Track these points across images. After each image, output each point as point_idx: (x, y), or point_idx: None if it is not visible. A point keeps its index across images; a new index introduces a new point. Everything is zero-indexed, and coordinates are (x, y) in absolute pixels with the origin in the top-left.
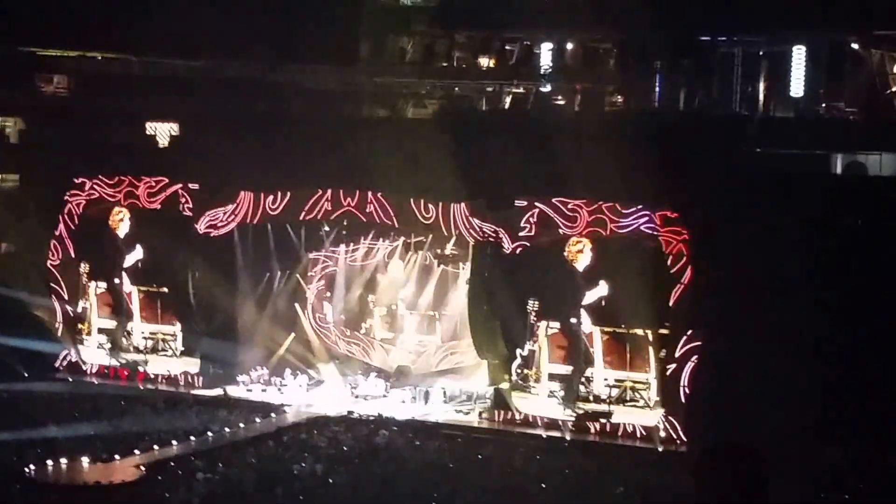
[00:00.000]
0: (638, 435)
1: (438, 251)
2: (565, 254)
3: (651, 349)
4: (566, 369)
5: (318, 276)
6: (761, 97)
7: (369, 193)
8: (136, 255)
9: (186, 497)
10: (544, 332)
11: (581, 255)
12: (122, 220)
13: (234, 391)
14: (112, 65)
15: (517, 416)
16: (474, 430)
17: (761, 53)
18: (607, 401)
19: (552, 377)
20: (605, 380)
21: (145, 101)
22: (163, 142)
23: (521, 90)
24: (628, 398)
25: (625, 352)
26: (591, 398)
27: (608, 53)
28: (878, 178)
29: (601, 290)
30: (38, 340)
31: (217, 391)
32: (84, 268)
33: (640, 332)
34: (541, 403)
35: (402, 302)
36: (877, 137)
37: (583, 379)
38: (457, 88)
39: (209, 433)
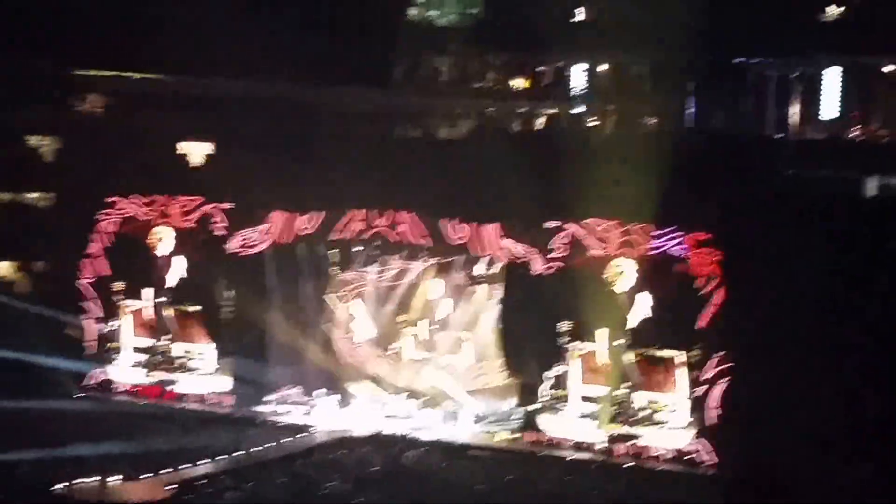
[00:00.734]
0: (667, 457)
1: (469, 271)
2: (605, 275)
3: (681, 371)
4: (597, 391)
5: (349, 295)
6: (795, 119)
7: (401, 213)
8: (170, 274)
9: None
10: (575, 353)
11: (622, 276)
12: (161, 239)
13: (263, 410)
14: (147, 84)
15: (546, 438)
16: (503, 451)
17: (795, 76)
18: (637, 423)
19: (584, 398)
20: (635, 401)
21: (180, 120)
22: (197, 161)
23: (554, 111)
24: (658, 420)
25: (655, 373)
26: (620, 420)
27: (642, 75)
28: None
29: (635, 311)
30: (69, 359)
31: (247, 410)
32: (117, 286)
33: (670, 353)
34: (570, 425)
35: (432, 322)
36: None
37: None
38: (490, 109)
39: (239, 452)
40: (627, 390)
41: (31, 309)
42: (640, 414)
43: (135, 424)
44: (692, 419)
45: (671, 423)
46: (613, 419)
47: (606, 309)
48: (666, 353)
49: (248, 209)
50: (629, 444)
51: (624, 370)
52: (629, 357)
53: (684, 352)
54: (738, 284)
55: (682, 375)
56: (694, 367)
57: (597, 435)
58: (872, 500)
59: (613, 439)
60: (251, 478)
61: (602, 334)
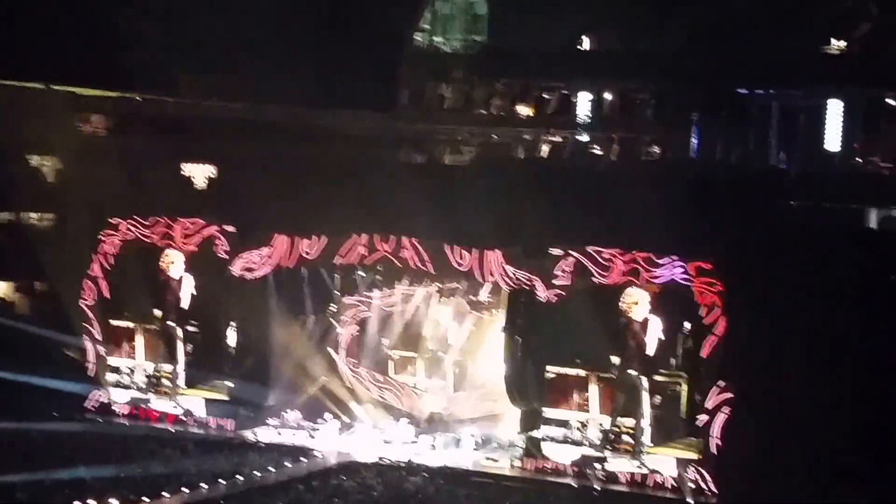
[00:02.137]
0: (668, 486)
1: (472, 298)
2: (621, 305)
3: (645, 396)
4: (566, 415)
5: (352, 320)
6: (797, 150)
7: (405, 239)
8: (178, 297)
9: None
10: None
11: (636, 306)
12: (173, 262)
13: (265, 434)
14: (150, 106)
15: (547, 464)
16: (505, 478)
17: (798, 107)
18: (600, 446)
19: (547, 422)
20: (601, 425)
21: (183, 142)
22: (199, 183)
23: (558, 139)
24: (620, 443)
25: (619, 398)
26: (584, 443)
27: (646, 104)
28: None
29: (642, 338)
30: (68, 380)
31: (248, 434)
32: (115, 307)
33: (636, 379)
34: (571, 451)
35: (434, 348)
36: None
37: (578, 424)
38: (494, 136)
39: (239, 476)
40: (592, 414)
41: (32, 330)
42: (605, 437)
43: (134, 447)
44: (701, 446)
45: (633, 448)
46: (578, 442)
47: (601, 336)
48: (632, 378)
49: (251, 232)
50: (595, 466)
51: (587, 395)
52: (596, 382)
53: (646, 377)
54: (739, 314)
55: (645, 400)
56: (696, 396)
57: (565, 458)
58: None
59: (579, 462)
60: (252, 502)
61: (579, 360)
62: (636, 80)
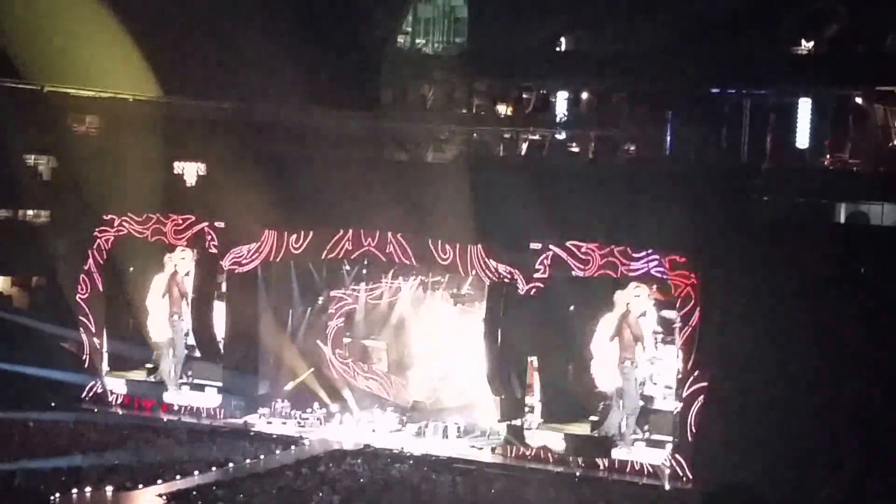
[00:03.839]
0: (646, 471)
1: (455, 291)
2: (624, 297)
3: (535, 375)
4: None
5: (339, 312)
6: (768, 147)
7: (389, 234)
8: (180, 292)
9: None
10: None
11: (638, 299)
12: (184, 259)
13: (255, 423)
14: (142, 105)
15: (528, 451)
16: (487, 465)
17: (769, 105)
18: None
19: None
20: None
21: (174, 141)
22: (190, 181)
23: (537, 137)
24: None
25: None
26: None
27: (622, 104)
28: (880, 227)
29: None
30: (65, 371)
31: (239, 423)
32: (115, 301)
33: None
34: (553, 438)
35: (418, 339)
36: (879, 188)
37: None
38: (475, 134)
39: (230, 464)
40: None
41: (29, 323)
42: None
43: (129, 436)
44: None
45: (529, 422)
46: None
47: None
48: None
49: (240, 228)
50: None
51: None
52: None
53: (535, 357)
54: (713, 305)
55: (536, 379)
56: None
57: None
58: None
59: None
60: (242, 489)
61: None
62: (612, 81)
